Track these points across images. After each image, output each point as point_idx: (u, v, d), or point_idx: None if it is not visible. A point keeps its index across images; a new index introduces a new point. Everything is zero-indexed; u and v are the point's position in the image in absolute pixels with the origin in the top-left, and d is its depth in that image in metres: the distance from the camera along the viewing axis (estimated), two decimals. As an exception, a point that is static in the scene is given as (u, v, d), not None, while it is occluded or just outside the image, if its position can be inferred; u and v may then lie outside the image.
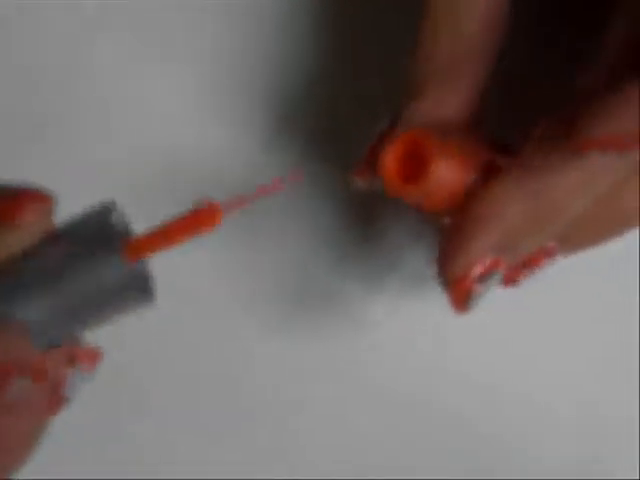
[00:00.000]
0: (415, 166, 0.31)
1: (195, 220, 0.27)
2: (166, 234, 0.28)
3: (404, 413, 0.38)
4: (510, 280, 0.33)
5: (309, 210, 0.38)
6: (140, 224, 0.28)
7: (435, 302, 0.38)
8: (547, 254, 0.32)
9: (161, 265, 0.29)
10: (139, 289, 0.28)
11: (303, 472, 0.38)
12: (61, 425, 0.35)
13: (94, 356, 0.29)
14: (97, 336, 0.29)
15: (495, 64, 0.33)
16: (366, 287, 0.38)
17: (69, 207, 0.29)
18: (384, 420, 0.38)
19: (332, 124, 0.38)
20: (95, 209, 0.29)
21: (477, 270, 0.31)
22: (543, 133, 0.31)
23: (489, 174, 0.31)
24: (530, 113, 0.32)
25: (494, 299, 0.32)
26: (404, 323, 0.38)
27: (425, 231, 0.37)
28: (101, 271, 0.28)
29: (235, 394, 0.39)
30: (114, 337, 0.31)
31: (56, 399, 0.28)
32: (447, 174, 0.31)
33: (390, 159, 0.31)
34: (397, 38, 0.37)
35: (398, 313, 0.38)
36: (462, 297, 0.31)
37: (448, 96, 0.32)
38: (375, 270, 0.38)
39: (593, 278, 0.38)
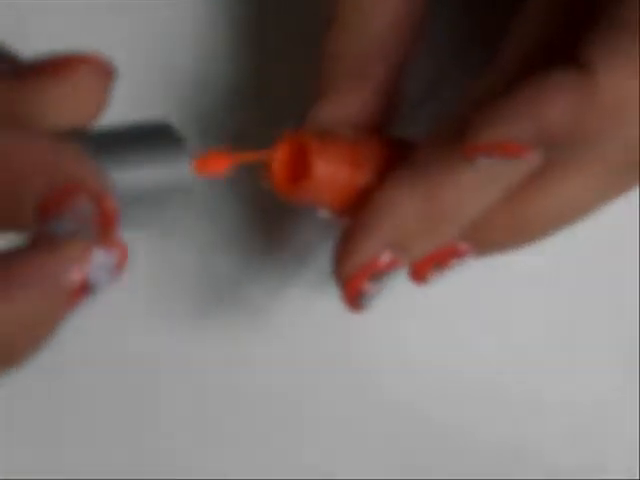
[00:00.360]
0: (302, 168, 0.31)
1: None
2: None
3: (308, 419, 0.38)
4: (418, 278, 0.32)
5: (217, 209, 0.38)
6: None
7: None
8: (456, 254, 0.32)
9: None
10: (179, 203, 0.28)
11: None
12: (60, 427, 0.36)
13: (125, 252, 0.27)
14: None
15: (407, 64, 0.33)
16: (274, 285, 0.38)
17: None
18: (277, 424, 0.38)
19: (243, 126, 0.38)
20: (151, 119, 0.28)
21: (369, 269, 0.31)
22: (438, 134, 0.31)
23: (387, 175, 0.32)
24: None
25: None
26: (312, 321, 0.38)
27: (333, 230, 0.37)
28: (163, 173, 0.28)
29: (139, 395, 0.38)
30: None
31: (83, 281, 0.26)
32: (330, 175, 0.31)
33: (277, 161, 0.31)
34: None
35: (306, 312, 0.38)
36: (354, 296, 0.31)
37: (352, 97, 0.32)
38: (283, 269, 0.38)
39: (593, 280, 0.38)
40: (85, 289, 0.26)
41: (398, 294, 0.33)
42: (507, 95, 0.29)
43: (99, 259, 0.27)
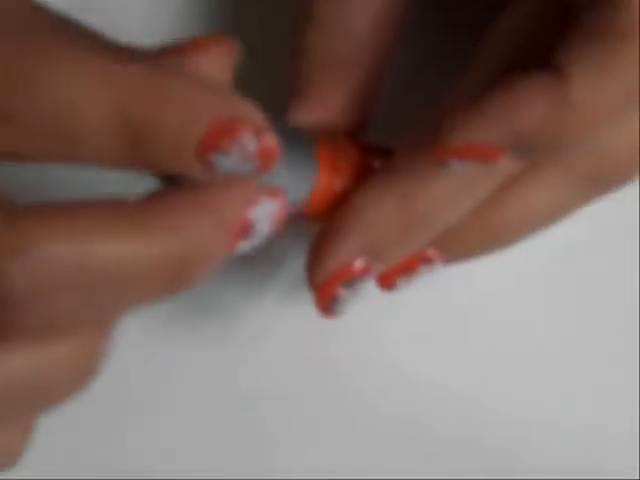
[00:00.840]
0: None
1: None
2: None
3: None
4: (386, 285, 0.32)
5: None
6: None
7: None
8: (425, 261, 0.32)
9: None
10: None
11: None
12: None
13: (285, 202, 0.28)
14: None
15: (385, 67, 0.32)
16: (248, 289, 0.38)
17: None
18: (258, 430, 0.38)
19: None
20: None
21: (342, 275, 0.31)
22: (414, 139, 0.31)
23: (364, 179, 0.31)
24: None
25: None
26: (288, 327, 0.38)
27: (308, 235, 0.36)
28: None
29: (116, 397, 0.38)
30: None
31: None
32: None
33: None
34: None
35: (281, 318, 0.38)
36: (327, 302, 0.31)
37: (328, 98, 0.32)
38: (257, 272, 0.38)
39: (593, 280, 0.38)
40: (247, 232, 0.27)
41: (378, 296, 0.33)
42: (480, 98, 0.29)
43: (264, 204, 0.28)
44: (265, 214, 0.27)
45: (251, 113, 0.26)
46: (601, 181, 0.31)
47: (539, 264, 0.38)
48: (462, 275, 0.37)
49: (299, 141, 0.31)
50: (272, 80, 0.36)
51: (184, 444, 0.38)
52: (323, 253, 0.31)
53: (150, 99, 0.25)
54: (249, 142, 0.26)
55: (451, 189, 0.30)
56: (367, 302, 0.33)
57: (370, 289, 0.32)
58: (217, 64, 0.28)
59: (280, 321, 0.38)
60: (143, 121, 0.25)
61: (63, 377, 0.27)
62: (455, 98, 0.31)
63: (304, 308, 0.37)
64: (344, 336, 0.38)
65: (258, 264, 0.38)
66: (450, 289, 0.37)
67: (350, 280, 0.31)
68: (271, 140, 0.26)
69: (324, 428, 0.38)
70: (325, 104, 0.32)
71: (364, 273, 0.31)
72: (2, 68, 0.24)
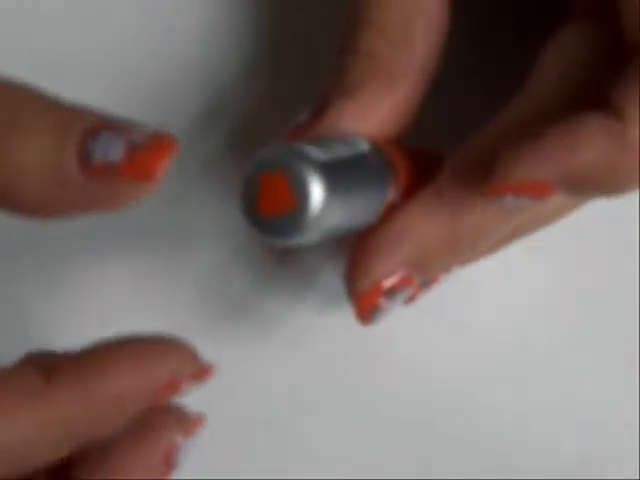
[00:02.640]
0: None
1: None
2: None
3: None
4: (410, 298, 0.33)
5: (228, 222, 0.37)
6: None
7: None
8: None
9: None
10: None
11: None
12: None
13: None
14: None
15: (434, 75, 0.32)
16: (284, 303, 0.38)
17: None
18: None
19: (251, 124, 0.37)
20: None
21: (385, 285, 0.31)
22: (465, 160, 0.31)
23: (408, 191, 0.31)
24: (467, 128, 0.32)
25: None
26: (323, 338, 0.38)
27: (339, 247, 0.36)
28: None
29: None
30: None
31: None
32: None
33: None
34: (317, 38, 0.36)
35: (316, 329, 0.38)
36: (367, 311, 0.31)
37: (378, 103, 0.31)
38: (292, 286, 0.38)
39: (593, 280, 0.38)
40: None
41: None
42: (538, 134, 0.29)
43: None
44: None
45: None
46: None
47: (540, 265, 0.38)
48: (463, 277, 0.37)
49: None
50: (307, 65, 0.36)
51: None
52: (368, 263, 0.31)
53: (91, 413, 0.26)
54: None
55: (500, 215, 0.31)
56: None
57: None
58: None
59: (310, 335, 0.38)
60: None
61: None
62: (505, 126, 0.31)
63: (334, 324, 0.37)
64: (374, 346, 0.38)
65: (293, 274, 0.37)
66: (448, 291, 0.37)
67: (392, 291, 0.31)
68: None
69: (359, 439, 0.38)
70: (373, 110, 0.31)
71: (405, 284, 0.31)
72: None
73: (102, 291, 0.37)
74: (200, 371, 0.28)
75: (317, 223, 0.27)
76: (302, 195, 0.27)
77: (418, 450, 0.38)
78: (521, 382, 0.38)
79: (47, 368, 0.26)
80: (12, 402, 0.26)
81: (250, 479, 0.38)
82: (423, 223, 0.31)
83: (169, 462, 0.29)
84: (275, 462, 0.38)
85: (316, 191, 0.27)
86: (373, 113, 0.31)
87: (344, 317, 0.34)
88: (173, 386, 0.28)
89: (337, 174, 0.28)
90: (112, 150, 0.25)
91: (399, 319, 0.35)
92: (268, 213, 0.28)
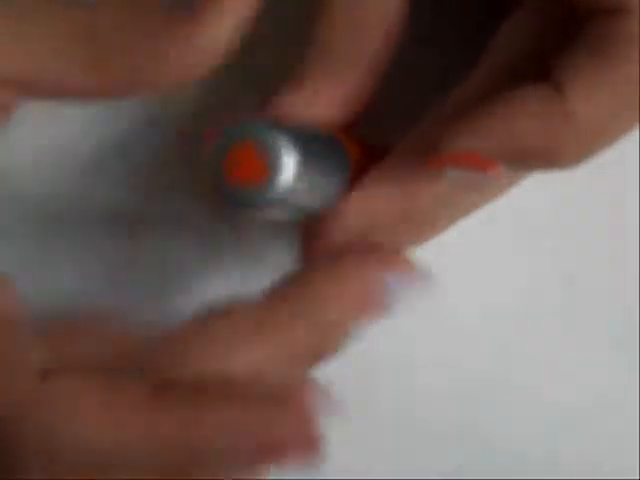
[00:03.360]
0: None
1: None
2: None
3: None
4: None
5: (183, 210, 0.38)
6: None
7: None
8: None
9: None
10: None
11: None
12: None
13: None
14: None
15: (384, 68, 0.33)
16: (230, 283, 0.38)
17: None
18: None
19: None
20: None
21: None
22: (415, 137, 0.31)
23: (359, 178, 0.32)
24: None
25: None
26: None
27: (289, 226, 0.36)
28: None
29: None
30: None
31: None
32: None
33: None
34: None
35: None
36: None
37: (330, 87, 0.32)
38: (240, 266, 0.38)
39: (594, 280, 0.38)
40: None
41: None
42: (479, 108, 0.29)
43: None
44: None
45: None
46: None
47: (541, 263, 0.38)
48: (462, 277, 0.37)
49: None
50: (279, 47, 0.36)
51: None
52: (317, 235, 0.31)
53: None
54: None
55: (446, 189, 0.31)
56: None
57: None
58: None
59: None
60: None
61: None
62: (452, 106, 0.31)
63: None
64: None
65: (241, 258, 0.38)
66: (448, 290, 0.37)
67: None
68: None
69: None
70: (321, 98, 0.31)
71: None
72: None
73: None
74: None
75: (287, 195, 0.28)
76: (275, 164, 0.28)
77: (418, 450, 0.38)
78: (521, 382, 0.38)
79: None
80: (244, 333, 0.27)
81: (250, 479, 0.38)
82: (372, 201, 0.31)
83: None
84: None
85: (289, 161, 0.28)
86: (321, 101, 0.31)
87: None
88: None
89: (306, 150, 0.29)
90: None
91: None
92: (238, 184, 0.28)
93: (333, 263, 0.30)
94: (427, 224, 0.32)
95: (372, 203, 0.31)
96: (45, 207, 0.38)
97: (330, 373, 0.37)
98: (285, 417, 0.29)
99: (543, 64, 0.30)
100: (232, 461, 0.28)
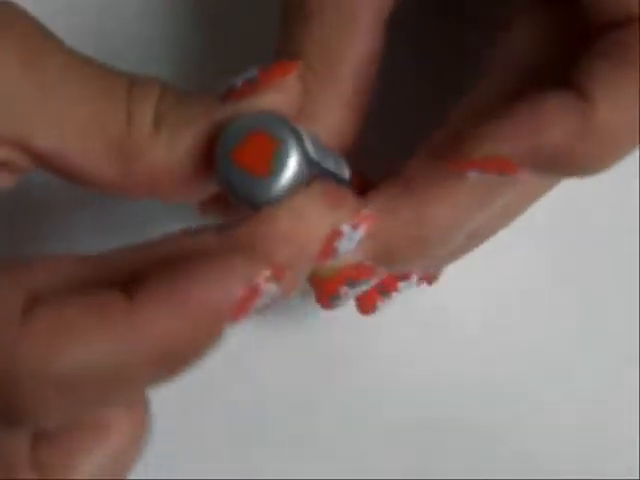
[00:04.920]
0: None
1: None
2: None
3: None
4: (367, 306, 0.33)
5: None
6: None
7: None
8: (403, 278, 0.33)
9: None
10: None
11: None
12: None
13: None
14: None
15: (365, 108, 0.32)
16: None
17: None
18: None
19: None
20: None
21: (349, 275, 0.31)
22: (429, 150, 0.31)
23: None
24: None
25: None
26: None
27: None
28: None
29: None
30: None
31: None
32: None
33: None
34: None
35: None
36: (329, 297, 0.32)
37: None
38: None
39: (594, 280, 0.38)
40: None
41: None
42: (505, 112, 0.29)
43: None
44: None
45: (263, 261, 0.27)
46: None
47: (541, 263, 0.38)
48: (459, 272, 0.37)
49: None
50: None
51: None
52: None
53: (178, 330, 0.26)
54: (271, 289, 0.27)
55: (465, 202, 0.30)
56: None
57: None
58: (286, 97, 0.29)
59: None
60: (181, 351, 0.26)
61: (128, 454, 0.29)
62: (469, 111, 0.31)
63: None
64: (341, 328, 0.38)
65: None
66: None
67: (355, 280, 0.31)
68: (290, 281, 0.27)
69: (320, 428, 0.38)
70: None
71: (369, 275, 0.31)
72: None
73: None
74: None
75: (280, 196, 0.28)
76: (281, 165, 0.28)
77: (417, 451, 0.38)
78: (521, 382, 0.38)
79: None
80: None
81: (250, 479, 0.38)
82: (387, 217, 0.31)
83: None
84: (275, 461, 0.38)
85: (295, 161, 0.28)
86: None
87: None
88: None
89: (314, 159, 0.29)
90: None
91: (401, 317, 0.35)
92: (242, 166, 0.28)
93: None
94: (443, 245, 0.31)
95: (385, 221, 0.31)
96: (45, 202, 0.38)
97: (329, 373, 0.38)
98: None
99: (559, 71, 0.29)
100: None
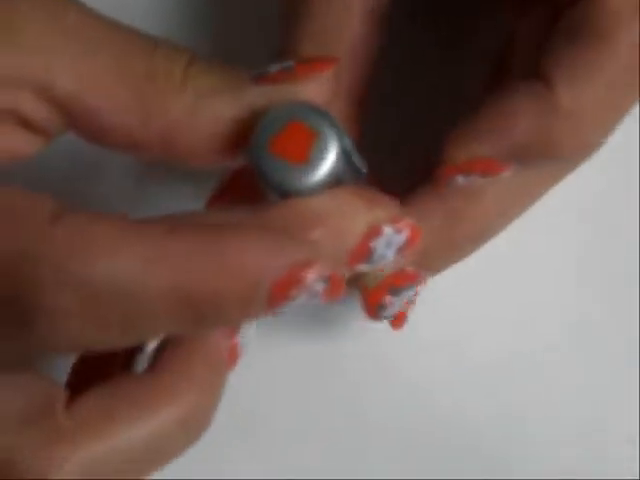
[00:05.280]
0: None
1: None
2: None
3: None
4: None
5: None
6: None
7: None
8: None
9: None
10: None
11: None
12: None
13: None
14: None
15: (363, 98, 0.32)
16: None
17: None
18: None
19: None
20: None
21: (391, 283, 0.31)
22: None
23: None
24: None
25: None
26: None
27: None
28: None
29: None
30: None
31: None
32: None
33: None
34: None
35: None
36: (374, 307, 0.32)
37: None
38: None
39: (594, 280, 0.38)
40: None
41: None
42: (476, 113, 0.29)
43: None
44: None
45: (312, 250, 0.26)
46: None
47: (542, 266, 0.38)
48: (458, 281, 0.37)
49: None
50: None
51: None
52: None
53: (207, 273, 0.25)
54: (316, 284, 0.26)
55: (495, 204, 0.31)
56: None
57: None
58: (319, 91, 0.29)
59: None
60: (205, 299, 0.25)
61: (176, 438, 0.28)
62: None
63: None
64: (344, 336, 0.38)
65: None
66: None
67: (398, 288, 0.31)
68: (338, 278, 0.26)
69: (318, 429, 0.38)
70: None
71: (412, 281, 0.31)
72: None
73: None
74: None
75: (314, 188, 0.28)
76: (320, 156, 0.28)
77: (417, 451, 0.38)
78: (520, 383, 0.38)
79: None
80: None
81: (250, 479, 0.38)
82: (422, 224, 0.30)
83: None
84: (275, 461, 0.38)
85: (331, 161, 0.28)
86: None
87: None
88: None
89: (347, 154, 0.29)
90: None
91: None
92: (278, 153, 0.28)
93: None
94: (477, 241, 0.32)
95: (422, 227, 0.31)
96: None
97: (330, 376, 0.38)
98: None
99: (532, 60, 0.30)
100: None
